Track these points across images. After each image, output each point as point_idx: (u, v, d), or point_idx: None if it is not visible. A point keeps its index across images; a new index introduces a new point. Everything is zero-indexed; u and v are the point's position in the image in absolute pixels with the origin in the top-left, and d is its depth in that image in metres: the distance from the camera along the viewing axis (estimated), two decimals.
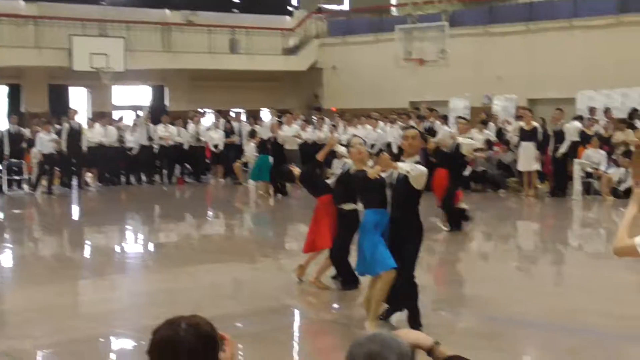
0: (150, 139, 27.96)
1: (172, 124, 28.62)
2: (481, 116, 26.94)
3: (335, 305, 11.14)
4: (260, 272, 13.55)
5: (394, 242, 9.18)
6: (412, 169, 8.89)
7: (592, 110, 25.49)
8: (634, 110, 24.75)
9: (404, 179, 8.94)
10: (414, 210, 9.24)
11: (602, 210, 20.86)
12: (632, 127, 22.68)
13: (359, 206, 10.90)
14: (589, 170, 22.47)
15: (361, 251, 9.52)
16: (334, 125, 28.30)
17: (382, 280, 9.18)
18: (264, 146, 24.87)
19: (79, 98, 33.19)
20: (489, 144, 25.00)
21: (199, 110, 31.13)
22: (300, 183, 12.64)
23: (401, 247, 9.13)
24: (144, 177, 28.31)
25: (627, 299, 11.08)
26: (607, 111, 25.16)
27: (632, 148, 21.45)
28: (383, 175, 9.27)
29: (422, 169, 9.02)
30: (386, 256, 9.15)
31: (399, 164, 8.97)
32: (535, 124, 23.28)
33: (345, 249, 11.43)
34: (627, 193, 21.40)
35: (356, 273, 10.46)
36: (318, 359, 8.80)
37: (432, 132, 24.67)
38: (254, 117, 30.39)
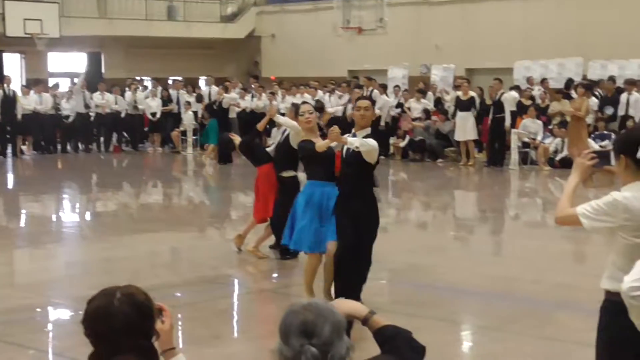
0: (86, 106, 27.65)
1: (109, 91, 28.34)
2: (419, 85, 27.03)
3: (274, 275, 11.14)
4: (199, 241, 13.48)
5: (343, 219, 8.64)
6: (362, 143, 8.38)
7: (529, 80, 25.70)
8: (570, 81, 25.00)
9: (355, 153, 8.47)
10: (367, 184, 8.75)
11: (539, 180, 21.10)
12: (568, 97, 22.90)
13: (300, 174, 10.85)
14: (526, 140, 22.70)
15: (298, 224, 9.17)
16: (272, 94, 28.20)
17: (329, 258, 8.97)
18: (212, 110, 24.92)
19: (12, 64, 32.58)
20: (427, 113, 25.12)
21: (137, 78, 30.80)
22: (240, 152, 12.51)
23: (356, 227, 8.62)
24: (80, 146, 28.02)
25: (561, 268, 11.24)
26: (543, 81, 25.38)
27: (568, 118, 21.67)
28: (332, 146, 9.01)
29: (373, 143, 8.54)
30: (326, 236, 8.90)
31: (349, 139, 8.48)
32: (472, 93, 23.46)
33: (286, 217, 11.39)
34: (563, 163, 21.68)
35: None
36: (257, 329, 8.77)
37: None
38: (192, 85, 30.20)
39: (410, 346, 3.50)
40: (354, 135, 8.69)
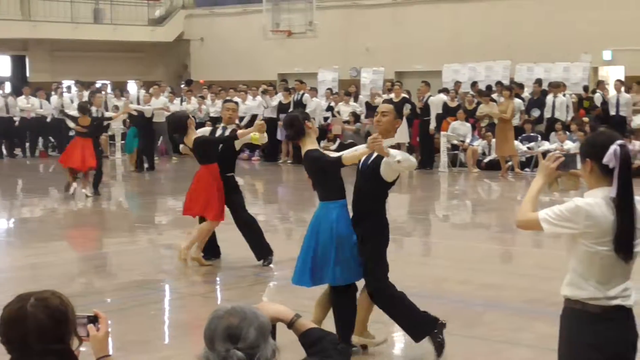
0: (8, 111, 27.27)
1: (34, 95, 27.96)
2: (350, 89, 27.17)
3: (204, 280, 11.12)
4: (128, 246, 13.39)
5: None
6: (405, 158, 7.37)
7: (457, 84, 25.95)
8: (497, 84, 25.35)
9: (373, 167, 7.41)
10: (381, 205, 7.64)
11: (468, 182, 21.34)
12: (494, 100, 23.24)
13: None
14: (455, 142, 22.96)
15: (334, 255, 7.52)
16: (202, 97, 28.15)
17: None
18: (132, 119, 24.60)
19: None
20: (356, 116, 25.24)
21: (63, 82, 30.43)
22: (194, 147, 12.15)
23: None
24: (4, 150, 27.61)
25: (489, 269, 11.42)
26: (473, 85, 25.67)
27: (496, 121, 21.97)
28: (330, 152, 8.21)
29: (414, 160, 7.68)
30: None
31: (391, 151, 7.21)
32: (404, 95, 23.66)
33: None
34: (490, 165, 21.98)
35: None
36: (187, 334, 8.76)
37: (302, 105, 24.83)
38: (120, 89, 29.95)
39: (336, 349, 3.55)
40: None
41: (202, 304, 10.00)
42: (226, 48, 33.35)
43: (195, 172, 11.58)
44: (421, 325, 7.55)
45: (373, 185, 7.50)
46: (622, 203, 4.29)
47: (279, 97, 25.68)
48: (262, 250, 11.43)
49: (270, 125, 25.24)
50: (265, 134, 11.35)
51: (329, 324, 7.29)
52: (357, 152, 7.63)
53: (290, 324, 3.59)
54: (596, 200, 4.33)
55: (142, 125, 24.04)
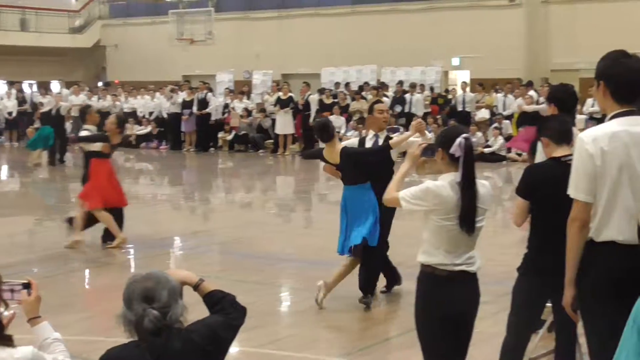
0: None
1: None
2: (244, 88, 27.11)
3: (122, 251, 10.98)
4: (52, 223, 13.12)
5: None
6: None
7: (337, 85, 25.97)
8: (367, 84, 25.62)
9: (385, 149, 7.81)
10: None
11: None
12: (365, 97, 23.49)
13: None
14: None
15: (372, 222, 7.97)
16: (115, 95, 27.70)
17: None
18: (46, 118, 23.33)
19: None
20: (248, 111, 25.18)
21: None
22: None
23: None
24: None
25: None
26: (347, 85, 25.86)
27: (365, 115, 22.17)
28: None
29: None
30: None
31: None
32: (291, 94, 23.72)
33: None
34: None
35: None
36: (104, 296, 8.65)
37: (205, 102, 24.68)
38: (45, 88, 29.23)
39: (234, 307, 3.57)
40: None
41: (118, 271, 9.89)
42: (137, 53, 32.88)
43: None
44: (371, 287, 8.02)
45: (387, 165, 7.85)
46: (465, 186, 4.38)
47: (183, 95, 25.42)
48: None
49: (177, 118, 25.16)
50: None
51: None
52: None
53: (196, 287, 3.58)
54: (444, 183, 4.41)
55: (56, 124, 22.72)
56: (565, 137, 5.11)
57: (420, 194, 4.43)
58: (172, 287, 3.29)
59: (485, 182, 4.63)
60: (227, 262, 10.36)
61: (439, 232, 4.44)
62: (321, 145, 8.42)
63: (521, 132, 17.09)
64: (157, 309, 3.21)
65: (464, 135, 4.44)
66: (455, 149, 4.39)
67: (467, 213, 4.39)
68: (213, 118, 24.73)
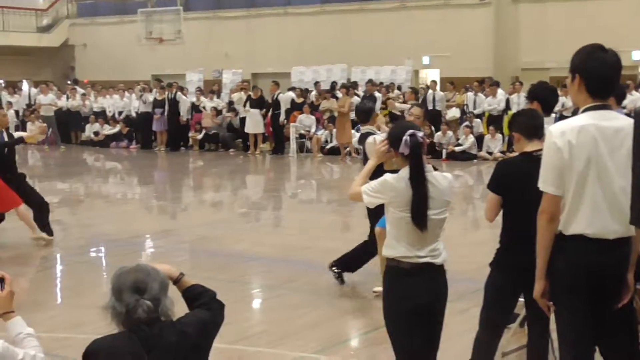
0: None
1: None
2: (214, 87, 27.01)
3: (91, 249, 10.91)
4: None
5: None
6: None
7: (316, 85, 25.74)
8: (335, 83, 25.62)
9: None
10: None
11: (313, 165, 21.51)
12: (334, 96, 23.48)
13: None
14: (302, 132, 23.13)
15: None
16: (85, 95, 27.48)
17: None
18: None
19: None
20: (218, 111, 25.08)
21: None
22: None
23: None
24: None
25: (330, 236, 11.50)
26: (316, 84, 25.82)
27: (336, 114, 22.21)
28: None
29: None
30: None
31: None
32: (260, 93, 23.66)
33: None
34: (332, 151, 22.24)
35: None
36: (74, 293, 8.59)
37: (175, 102, 24.54)
38: (13, 87, 28.99)
39: (215, 301, 3.58)
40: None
41: (88, 270, 9.81)
42: (106, 52, 32.68)
43: None
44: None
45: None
46: (414, 182, 4.40)
47: (153, 94, 25.26)
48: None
49: (147, 118, 24.98)
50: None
51: None
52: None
53: (176, 281, 3.58)
54: (401, 176, 4.45)
55: None
56: (535, 131, 5.12)
57: (378, 187, 4.49)
58: (162, 280, 3.30)
59: (447, 174, 4.67)
60: (196, 260, 10.31)
61: (399, 224, 4.46)
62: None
63: None
64: (148, 300, 3.19)
65: (410, 132, 4.45)
66: (403, 147, 4.44)
67: (418, 209, 4.40)
68: (184, 118, 24.60)
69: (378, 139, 7.92)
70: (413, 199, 4.40)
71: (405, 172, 4.46)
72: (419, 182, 4.42)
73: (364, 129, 8.54)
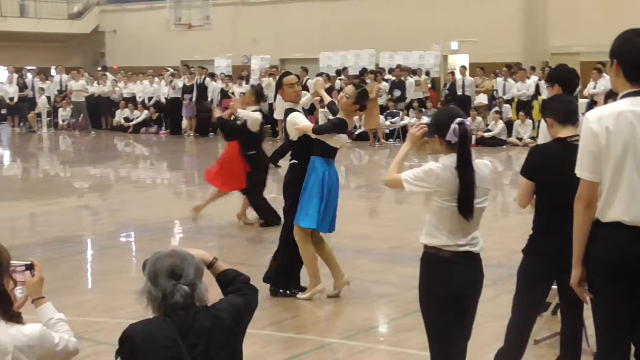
0: None
1: None
2: (243, 73, 27.00)
3: (123, 234, 10.94)
4: (53, 207, 13.04)
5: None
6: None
7: (345, 70, 25.62)
8: (364, 69, 25.47)
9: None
10: None
11: (341, 151, 21.31)
12: (363, 82, 23.33)
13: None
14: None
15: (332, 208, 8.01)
16: (115, 81, 27.63)
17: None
18: None
19: None
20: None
21: None
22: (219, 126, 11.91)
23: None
24: None
25: (358, 221, 11.46)
26: (344, 69, 25.63)
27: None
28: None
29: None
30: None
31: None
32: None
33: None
34: (360, 136, 22.17)
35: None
36: (106, 278, 8.62)
37: (204, 87, 24.58)
38: (44, 74, 29.19)
39: (248, 287, 3.55)
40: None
41: (118, 255, 9.84)
42: (136, 38, 32.76)
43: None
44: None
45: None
46: (462, 171, 4.30)
47: (183, 80, 25.30)
48: None
49: (176, 104, 25.05)
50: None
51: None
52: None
53: (210, 265, 3.55)
54: (445, 164, 4.34)
55: None
56: (569, 117, 5.02)
57: (422, 175, 4.35)
58: (198, 265, 3.29)
59: (487, 162, 4.57)
60: (226, 245, 10.30)
61: (442, 214, 4.36)
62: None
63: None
64: (184, 285, 3.19)
65: (458, 120, 4.34)
66: (450, 135, 4.33)
67: (465, 198, 4.31)
68: (214, 104, 24.60)
69: (299, 116, 8.02)
70: (460, 188, 4.30)
71: (449, 160, 4.35)
72: (466, 171, 4.31)
73: (286, 104, 8.22)
